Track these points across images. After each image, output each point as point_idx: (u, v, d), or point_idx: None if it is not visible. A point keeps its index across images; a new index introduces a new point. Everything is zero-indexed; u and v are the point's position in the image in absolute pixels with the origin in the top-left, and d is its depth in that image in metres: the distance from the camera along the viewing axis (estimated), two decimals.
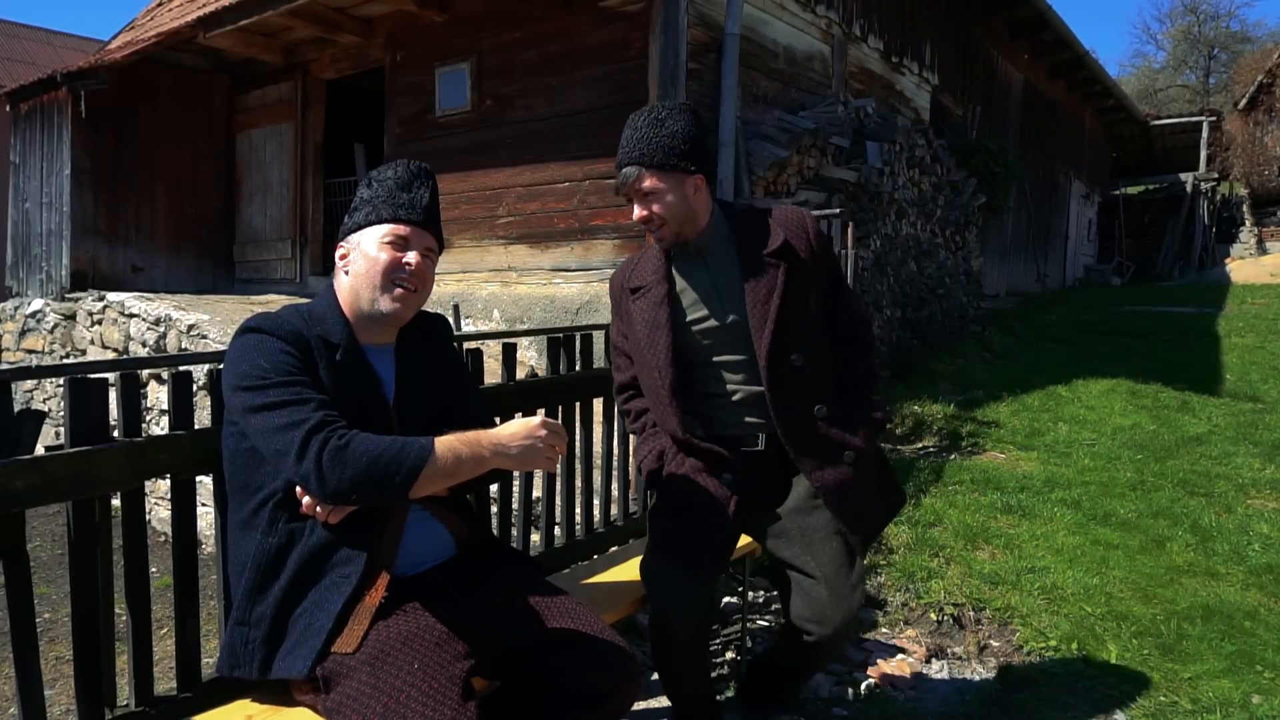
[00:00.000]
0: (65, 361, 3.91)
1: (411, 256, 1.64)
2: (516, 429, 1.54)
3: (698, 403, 2.06)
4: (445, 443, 1.49)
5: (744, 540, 2.30)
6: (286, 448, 1.43)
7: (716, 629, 2.99)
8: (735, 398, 2.03)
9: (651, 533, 2.07)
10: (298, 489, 1.52)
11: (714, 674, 2.73)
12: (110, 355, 7.31)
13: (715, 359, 2.03)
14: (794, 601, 1.99)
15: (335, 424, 1.47)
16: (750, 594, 3.12)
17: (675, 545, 1.98)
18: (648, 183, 1.95)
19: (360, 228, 1.67)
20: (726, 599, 3.13)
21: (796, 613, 1.98)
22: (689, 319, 2.02)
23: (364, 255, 1.64)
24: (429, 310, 1.84)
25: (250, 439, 1.52)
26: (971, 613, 2.97)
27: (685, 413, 2.02)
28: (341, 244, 1.70)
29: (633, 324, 2.06)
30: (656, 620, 1.97)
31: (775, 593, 3.19)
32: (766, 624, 3.04)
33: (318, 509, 1.52)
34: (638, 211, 1.98)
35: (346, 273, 1.67)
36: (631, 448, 2.40)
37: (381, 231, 1.64)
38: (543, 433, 1.54)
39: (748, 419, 2.03)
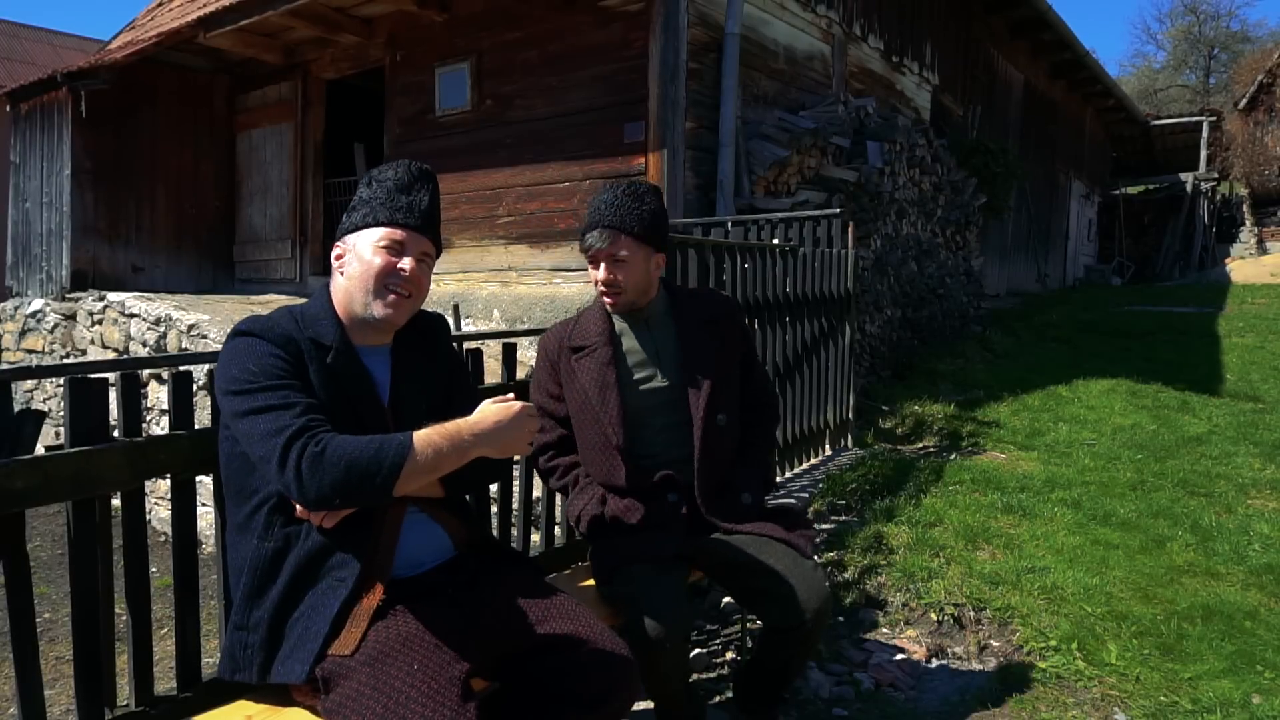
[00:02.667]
0: (65, 361, 3.90)
1: (406, 262, 1.62)
2: (496, 414, 1.54)
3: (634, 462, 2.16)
4: (424, 437, 1.47)
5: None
6: (269, 455, 1.43)
7: (716, 629, 2.99)
8: (663, 458, 2.15)
9: (604, 557, 2.08)
10: None
11: (714, 674, 2.73)
12: (110, 355, 7.31)
13: (650, 420, 2.15)
14: (768, 606, 2.05)
15: (316, 429, 1.45)
16: None
17: (639, 553, 2.03)
18: (623, 250, 2.08)
19: (357, 229, 1.64)
20: (726, 599, 3.13)
21: (776, 613, 2.03)
22: (635, 378, 2.15)
23: (359, 258, 1.62)
24: (428, 309, 1.83)
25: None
26: (972, 613, 2.97)
27: (631, 466, 2.11)
28: (338, 244, 1.68)
29: (576, 382, 2.14)
30: (639, 626, 1.90)
31: None
32: None
33: (314, 518, 1.52)
34: (603, 274, 2.08)
35: (341, 274, 1.65)
36: (564, 503, 2.43)
37: (377, 235, 1.62)
38: (521, 416, 1.55)
39: (668, 482, 2.14)
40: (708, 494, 2.14)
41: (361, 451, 1.43)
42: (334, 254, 1.68)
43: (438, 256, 1.74)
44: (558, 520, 2.69)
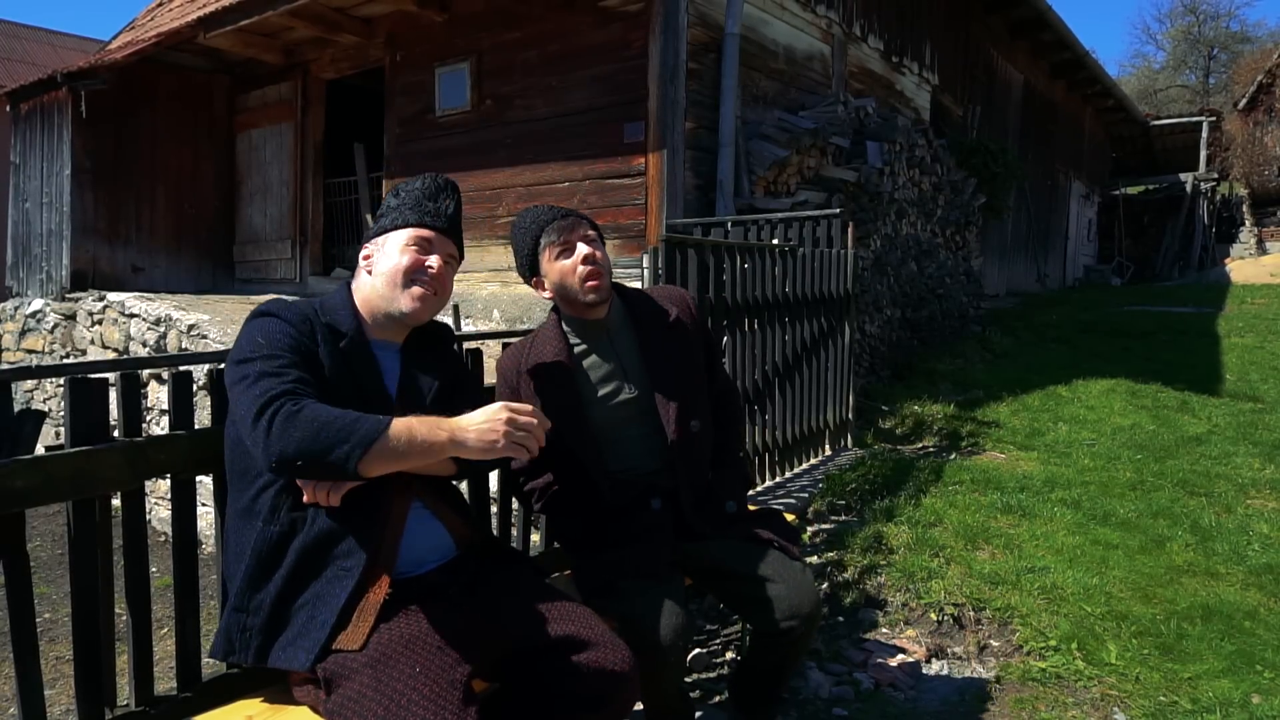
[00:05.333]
0: (65, 361, 3.91)
1: (434, 260, 1.69)
2: (478, 416, 1.50)
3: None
4: (404, 422, 1.46)
5: None
6: (247, 412, 1.45)
7: (716, 629, 2.99)
8: (641, 469, 2.09)
9: (594, 574, 1.99)
10: None
11: (714, 674, 2.73)
12: (110, 355, 7.31)
13: (623, 434, 2.07)
14: (761, 610, 2.00)
15: (299, 394, 1.47)
16: None
17: (631, 568, 1.96)
18: (591, 232, 2.03)
19: (385, 231, 1.72)
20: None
21: (767, 618, 1.99)
22: (600, 395, 2.05)
23: (387, 256, 1.69)
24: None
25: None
26: (971, 613, 2.97)
27: (609, 483, 2.05)
28: (367, 245, 1.75)
29: (538, 407, 2.01)
30: (641, 642, 1.81)
31: None
32: None
33: (319, 497, 1.53)
34: (585, 250, 1.98)
35: (369, 272, 1.71)
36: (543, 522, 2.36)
37: (406, 235, 1.69)
38: (503, 419, 1.48)
39: (649, 489, 2.09)
40: (692, 501, 2.09)
41: (337, 418, 1.43)
42: (362, 254, 1.75)
43: (460, 261, 1.79)
44: None
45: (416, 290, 1.66)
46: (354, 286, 1.74)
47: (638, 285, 3.21)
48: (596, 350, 2.08)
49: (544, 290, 2.06)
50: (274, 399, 1.45)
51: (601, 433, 2.06)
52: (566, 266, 1.99)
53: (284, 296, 1.64)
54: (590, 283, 1.99)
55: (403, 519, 1.62)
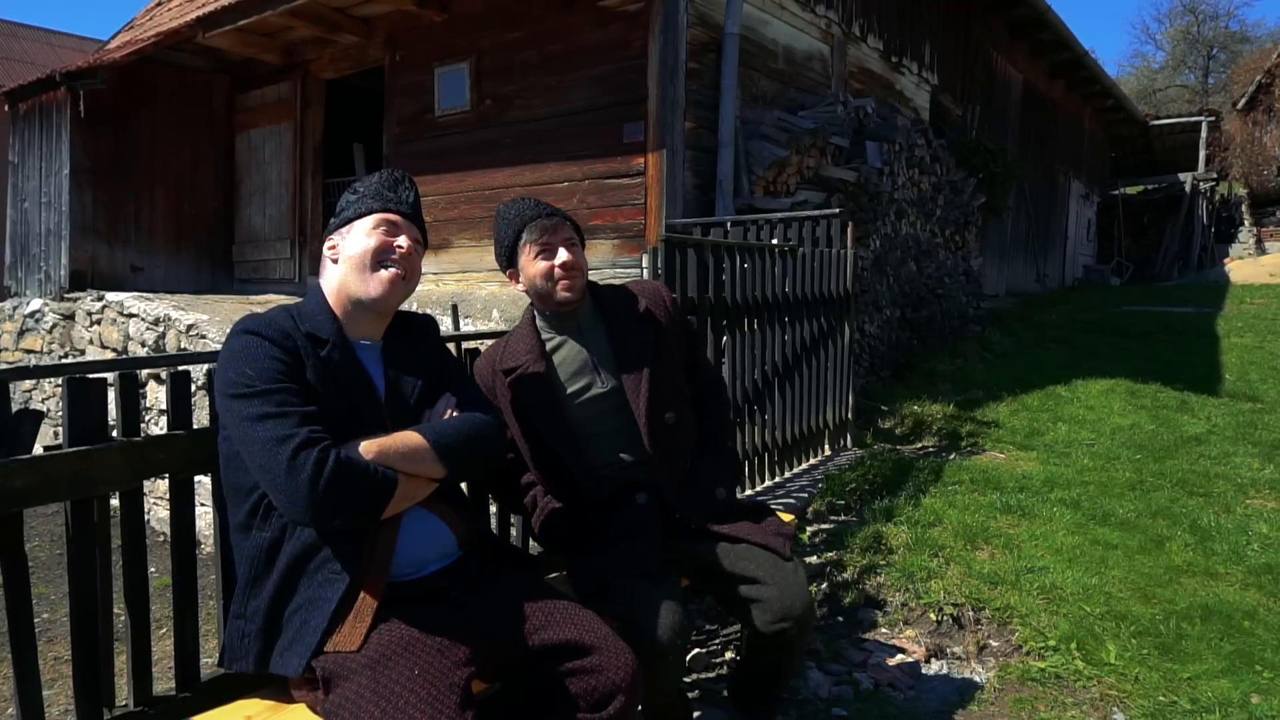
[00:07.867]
0: (64, 361, 3.90)
1: (402, 240, 1.68)
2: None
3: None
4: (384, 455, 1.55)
5: None
6: (270, 463, 1.43)
7: (715, 629, 2.99)
8: (622, 464, 2.09)
9: (589, 576, 1.99)
10: None
11: (713, 674, 2.73)
12: (109, 355, 7.31)
13: (597, 429, 2.08)
14: (753, 611, 2.01)
15: (321, 441, 1.46)
16: None
17: (625, 569, 1.95)
18: (573, 235, 2.06)
19: (349, 221, 1.70)
20: None
21: (760, 620, 1.99)
22: (570, 391, 2.07)
23: (354, 241, 1.67)
24: (425, 311, 1.85)
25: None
26: (971, 613, 2.97)
27: (590, 480, 2.06)
28: (331, 237, 1.72)
29: (514, 405, 2.05)
30: (639, 642, 1.80)
31: None
32: None
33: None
34: (565, 256, 2.01)
35: (335, 261, 1.69)
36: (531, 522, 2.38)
37: (373, 219, 1.68)
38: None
39: (632, 483, 2.09)
40: (675, 493, 2.08)
41: (367, 470, 1.50)
42: (327, 246, 1.73)
43: (425, 248, 1.79)
44: None
45: (385, 273, 1.65)
46: (323, 282, 1.70)
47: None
48: (568, 346, 2.10)
49: (517, 282, 2.10)
50: (301, 448, 1.43)
51: (579, 427, 2.07)
52: (544, 268, 2.03)
53: (255, 310, 1.62)
54: (564, 281, 2.03)
55: (397, 519, 1.60)
